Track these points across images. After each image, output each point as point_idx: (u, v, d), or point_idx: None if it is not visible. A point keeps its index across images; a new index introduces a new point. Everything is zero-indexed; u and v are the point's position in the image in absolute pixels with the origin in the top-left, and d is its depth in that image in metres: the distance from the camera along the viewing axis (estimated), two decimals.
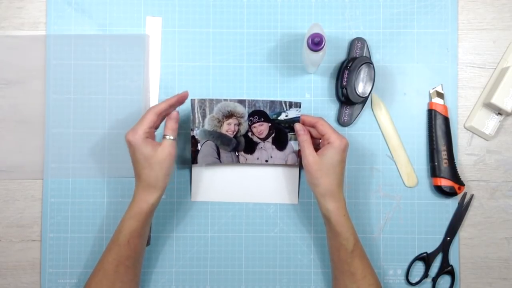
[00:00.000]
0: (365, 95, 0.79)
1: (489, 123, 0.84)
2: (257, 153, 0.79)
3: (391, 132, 0.83)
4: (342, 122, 0.83)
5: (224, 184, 0.83)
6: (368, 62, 0.79)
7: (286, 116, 0.77)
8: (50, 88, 0.83)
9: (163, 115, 0.74)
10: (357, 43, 0.82)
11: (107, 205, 0.83)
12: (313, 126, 0.76)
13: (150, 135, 0.72)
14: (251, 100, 0.76)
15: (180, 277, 0.83)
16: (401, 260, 0.83)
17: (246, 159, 0.79)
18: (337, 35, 0.84)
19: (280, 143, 0.79)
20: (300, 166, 0.81)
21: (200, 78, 0.84)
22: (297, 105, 0.77)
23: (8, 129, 0.83)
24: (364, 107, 0.83)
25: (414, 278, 0.83)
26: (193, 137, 0.77)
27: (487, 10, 0.85)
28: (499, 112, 0.83)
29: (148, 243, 0.81)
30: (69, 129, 0.83)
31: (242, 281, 0.83)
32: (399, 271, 0.83)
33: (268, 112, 0.77)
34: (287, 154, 0.79)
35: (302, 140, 0.75)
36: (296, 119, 0.77)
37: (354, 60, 0.80)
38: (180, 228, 0.83)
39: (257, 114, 0.78)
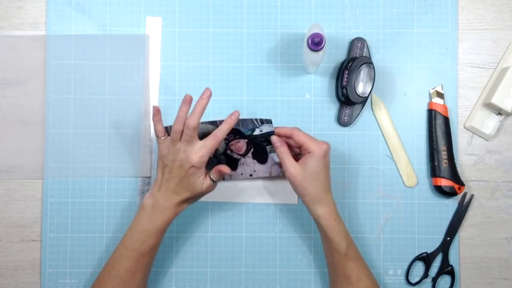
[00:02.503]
0: (365, 95, 0.79)
1: (489, 123, 0.84)
2: (240, 169, 0.79)
3: (391, 132, 0.83)
4: (342, 122, 0.83)
5: (225, 184, 0.83)
6: (368, 62, 0.79)
7: (261, 131, 0.76)
8: (50, 88, 0.83)
9: None
10: (357, 43, 0.82)
11: (107, 205, 0.83)
12: (289, 137, 0.75)
13: None
14: (222, 120, 0.73)
15: (180, 277, 0.83)
16: (401, 260, 0.83)
17: (231, 176, 0.79)
18: (337, 35, 0.84)
19: (260, 157, 0.78)
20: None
21: (200, 78, 0.84)
22: (268, 121, 0.76)
23: (8, 129, 0.83)
24: (364, 107, 0.83)
25: (414, 278, 0.83)
26: None
27: (487, 10, 0.85)
28: (499, 112, 0.83)
29: None
30: (69, 129, 0.83)
31: (242, 281, 0.83)
32: (399, 271, 0.83)
33: (242, 130, 0.76)
34: (270, 166, 0.79)
35: (280, 152, 0.74)
36: (271, 133, 0.76)
37: (354, 60, 0.80)
38: (180, 228, 0.83)
39: (232, 133, 0.76)
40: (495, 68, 0.84)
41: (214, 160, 0.78)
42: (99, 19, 0.84)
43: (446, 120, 0.82)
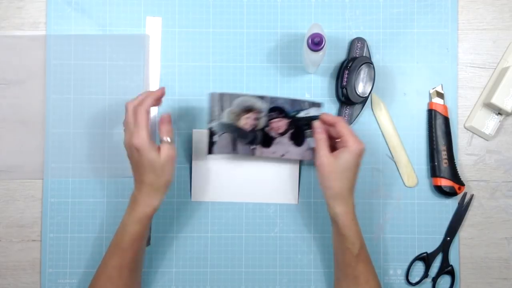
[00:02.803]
0: (365, 95, 0.79)
1: (489, 123, 0.84)
2: (273, 147, 0.78)
3: (391, 132, 0.83)
4: None
5: (225, 184, 0.83)
6: (368, 62, 0.79)
7: (306, 114, 0.76)
8: (50, 88, 0.83)
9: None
10: (357, 43, 0.82)
11: (107, 205, 0.83)
12: (332, 125, 0.74)
13: (150, 136, 0.71)
14: (272, 97, 0.75)
15: (180, 277, 0.83)
16: (401, 260, 0.83)
17: (262, 152, 0.78)
18: (337, 35, 0.84)
19: (298, 139, 0.78)
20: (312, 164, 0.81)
21: (200, 78, 0.84)
22: (318, 104, 0.76)
23: (8, 129, 0.83)
24: (364, 107, 0.83)
25: (414, 278, 0.83)
26: (210, 129, 0.77)
27: (487, 10, 0.85)
28: (499, 112, 0.83)
29: (148, 243, 0.81)
30: (69, 129, 0.83)
31: (242, 281, 0.83)
32: (399, 271, 0.83)
33: (288, 109, 0.76)
34: (304, 150, 0.78)
35: (318, 138, 0.73)
36: (316, 118, 0.76)
37: (354, 60, 0.80)
38: (180, 228, 0.83)
39: (277, 110, 0.77)
40: (495, 68, 0.84)
41: (251, 134, 0.77)
42: (99, 19, 0.84)
43: (446, 120, 0.82)
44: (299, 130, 0.77)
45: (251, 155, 0.78)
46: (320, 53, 0.73)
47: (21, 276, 0.83)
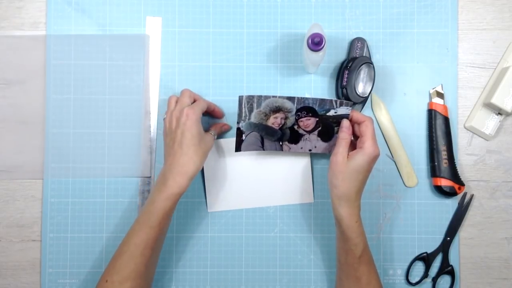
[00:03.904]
0: (365, 95, 0.79)
1: (489, 123, 0.84)
2: (301, 143, 0.79)
3: (391, 132, 0.83)
4: None
5: (239, 191, 0.83)
6: (368, 62, 0.79)
7: (335, 113, 0.76)
8: (50, 88, 0.83)
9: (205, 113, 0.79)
10: (357, 43, 0.82)
11: (107, 205, 0.83)
12: (359, 123, 0.74)
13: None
14: (301, 97, 0.75)
15: (180, 277, 0.83)
16: (401, 260, 0.83)
17: (290, 148, 0.79)
18: (337, 35, 0.84)
19: (326, 136, 0.78)
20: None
21: (200, 78, 0.84)
22: (348, 104, 0.76)
23: (8, 129, 0.83)
24: (364, 107, 0.83)
25: (414, 278, 0.83)
26: (238, 128, 0.77)
27: (487, 10, 0.85)
28: (499, 112, 0.83)
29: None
30: (69, 129, 0.83)
31: (242, 281, 0.83)
32: (399, 271, 0.83)
33: (316, 108, 0.76)
34: (332, 145, 0.78)
35: (341, 137, 0.74)
36: (345, 116, 0.76)
37: (354, 60, 0.80)
38: (180, 228, 0.83)
39: (305, 110, 0.76)
40: (495, 68, 0.84)
41: (278, 132, 0.77)
42: (99, 19, 0.84)
43: (446, 120, 0.82)
44: (328, 127, 0.77)
45: (279, 150, 0.79)
46: (320, 53, 0.73)
47: (21, 276, 0.83)
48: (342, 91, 0.80)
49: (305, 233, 0.83)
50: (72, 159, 0.83)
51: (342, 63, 0.83)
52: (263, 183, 0.83)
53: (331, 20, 0.84)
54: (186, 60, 0.84)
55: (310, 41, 0.72)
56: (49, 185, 0.83)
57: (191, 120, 0.72)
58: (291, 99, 0.75)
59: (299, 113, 0.76)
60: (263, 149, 0.79)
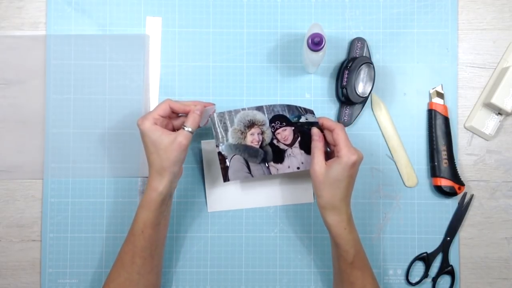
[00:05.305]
0: (365, 95, 0.79)
1: (489, 123, 0.84)
2: (287, 161, 0.76)
3: (391, 132, 0.83)
4: (342, 122, 0.83)
5: (239, 191, 0.83)
6: (368, 62, 0.79)
7: (306, 119, 0.75)
8: (50, 88, 0.83)
9: (178, 112, 0.74)
10: (357, 43, 0.82)
11: (107, 205, 0.83)
12: (331, 131, 0.73)
13: (161, 123, 0.71)
14: (269, 105, 0.74)
15: (180, 277, 0.83)
16: (401, 260, 0.83)
17: (277, 170, 0.76)
18: (337, 35, 0.84)
19: (308, 147, 0.76)
20: None
21: (200, 78, 0.84)
22: (311, 112, 0.76)
23: (8, 129, 0.83)
24: (364, 107, 0.83)
25: (414, 278, 0.83)
26: (219, 153, 0.74)
27: (487, 10, 0.85)
28: (499, 112, 0.83)
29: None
30: (69, 129, 0.83)
31: (242, 281, 0.83)
32: (399, 271, 0.83)
33: (288, 116, 0.75)
34: None
35: (314, 146, 0.73)
36: (315, 123, 0.75)
37: (354, 60, 0.80)
38: (180, 228, 0.83)
39: (278, 119, 0.75)
40: (495, 68, 0.84)
41: (260, 151, 0.75)
42: (99, 19, 0.84)
43: (446, 120, 0.82)
44: (306, 136, 0.76)
45: (268, 174, 0.76)
46: (320, 53, 0.73)
47: (21, 276, 0.83)
48: (342, 91, 0.80)
49: (305, 233, 0.83)
50: (72, 159, 0.83)
51: (342, 63, 0.83)
52: (263, 183, 0.83)
53: (331, 20, 0.84)
54: (186, 60, 0.84)
55: (310, 41, 0.72)
56: (49, 185, 0.83)
57: (141, 131, 0.71)
58: (259, 108, 0.75)
59: (273, 124, 0.75)
60: (252, 176, 0.75)
